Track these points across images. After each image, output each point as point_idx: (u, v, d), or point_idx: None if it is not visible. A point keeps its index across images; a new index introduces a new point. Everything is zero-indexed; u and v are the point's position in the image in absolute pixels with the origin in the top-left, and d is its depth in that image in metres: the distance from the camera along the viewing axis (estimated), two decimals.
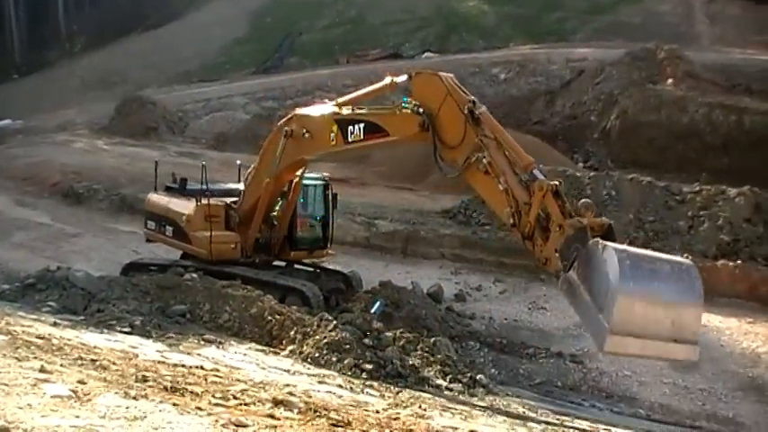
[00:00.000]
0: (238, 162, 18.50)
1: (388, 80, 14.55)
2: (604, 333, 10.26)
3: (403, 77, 13.92)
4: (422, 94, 13.38)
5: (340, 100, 15.46)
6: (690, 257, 19.62)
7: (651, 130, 31.97)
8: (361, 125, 14.41)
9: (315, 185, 17.79)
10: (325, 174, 18.27)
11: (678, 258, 11.50)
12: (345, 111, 14.90)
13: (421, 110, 13.17)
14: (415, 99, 13.43)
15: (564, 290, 11.12)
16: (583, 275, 10.71)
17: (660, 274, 10.51)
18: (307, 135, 15.49)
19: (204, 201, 16.86)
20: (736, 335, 17.27)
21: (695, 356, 11.07)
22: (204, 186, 16.95)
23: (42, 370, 7.56)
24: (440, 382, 12.45)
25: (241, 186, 17.53)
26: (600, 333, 10.44)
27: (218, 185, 17.74)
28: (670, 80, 34.65)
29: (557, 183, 11.77)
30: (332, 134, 14.92)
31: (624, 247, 10.78)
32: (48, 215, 27.19)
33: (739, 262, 19.84)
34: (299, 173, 16.81)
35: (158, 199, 18.15)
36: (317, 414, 7.78)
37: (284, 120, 16.45)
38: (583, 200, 12.42)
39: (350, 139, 14.60)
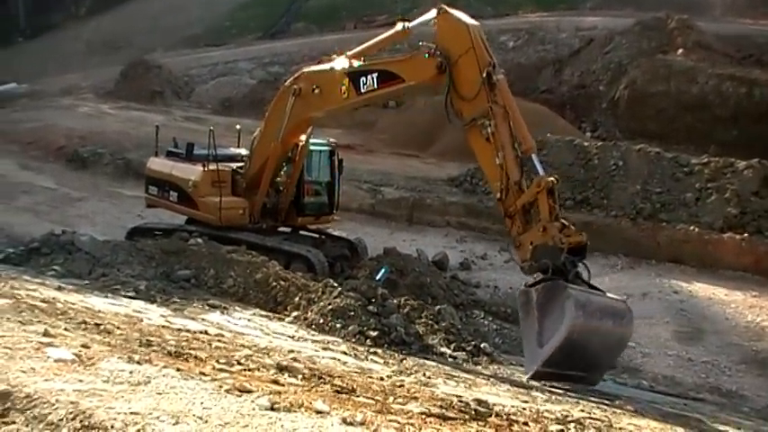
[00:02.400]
0: (238, 127, 18.37)
1: (399, 26, 14.38)
2: (535, 366, 11.09)
3: (428, 16, 13.47)
4: (445, 36, 13.18)
5: (349, 53, 15.16)
6: (695, 229, 19.74)
7: (660, 100, 31.75)
8: (375, 74, 14.31)
9: (321, 151, 17.69)
10: (331, 139, 18.18)
11: (621, 307, 11.83)
12: (356, 63, 14.76)
13: (438, 52, 13.05)
14: (437, 39, 13.26)
15: (521, 302, 11.66)
16: (540, 304, 11.25)
17: (601, 330, 11.18)
18: (317, 91, 15.37)
19: (212, 166, 16.75)
20: (741, 308, 17.22)
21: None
22: (212, 151, 16.84)
23: (46, 334, 7.54)
24: (444, 349, 12.45)
25: (244, 151, 17.44)
26: (532, 362, 11.24)
27: (222, 150, 17.61)
28: (680, 50, 34.35)
29: (553, 180, 11.96)
30: (343, 87, 14.78)
31: (584, 300, 11.09)
32: (52, 179, 27.15)
33: (746, 235, 19.76)
34: (305, 135, 16.69)
35: (161, 164, 17.97)
36: (321, 380, 7.77)
37: (291, 78, 16.30)
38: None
39: (363, 90, 14.49)
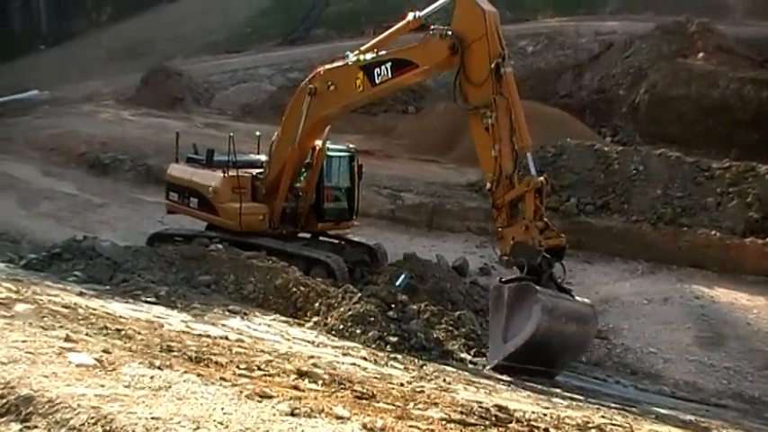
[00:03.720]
0: (258, 133, 18.43)
1: (410, 16, 14.55)
2: (496, 360, 11.79)
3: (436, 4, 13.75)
4: (461, 19, 13.37)
5: (362, 48, 15.35)
6: (717, 233, 19.58)
7: (680, 104, 31.55)
8: (388, 64, 14.45)
9: (341, 157, 17.72)
10: (351, 145, 18.20)
11: (586, 311, 12.43)
12: (369, 56, 14.86)
13: (450, 32, 13.21)
14: (453, 20, 13.45)
15: (492, 296, 12.37)
16: (510, 301, 11.89)
17: (564, 333, 11.80)
18: (332, 88, 15.51)
19: (232, 172, 16.81)
20: (763, 313, 17.04)
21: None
22: (232, 157, 16.90)
23: (68, 339, 7.58)
24: (464, 355, 12.46)
25: (263, 157, 17.49)
26: (495, 355, 11.91)
27: (241, 156, 17.69)
28: (701, 54, 34.11)
29: (543, 180, 12.40)
30: (357, 81, 14.93)
31: (551, 305, 11.60)
32: (74, 185, 27.33)
33: None
34: (322, 138, 16.72)
35: (181, 170, 18.11)
36: (342, 386, 7.76)
37: (307, 79, 16.39)
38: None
39: (378, 81, 14.65)
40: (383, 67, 14.50)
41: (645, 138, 31.05)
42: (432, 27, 13.86)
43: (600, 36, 41.52)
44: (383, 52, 14.85)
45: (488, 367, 11.84)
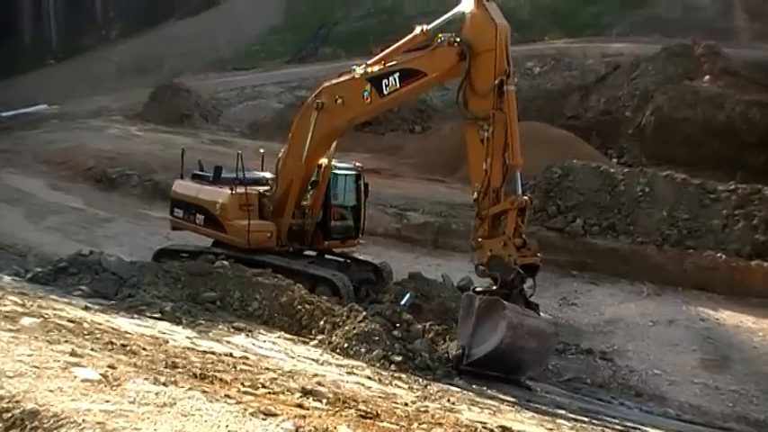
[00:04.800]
0: (262, 150, 18.45)
1: (417, 29, 14.63)
2: (460, 365, 12.32)
3: (461, 7, 13.76)
4: (473, 28, 13.50)
5: (369, 61, 15.40)
6: (722, 256, 19.55)
7: (687, 126, 31.52)
8: (396, 75, 14.54)
9: (347, 175, 17.75)
10: (357, 164, 18.24)
11: (548, 329, 13.06)
12: (377, 68, 14.95)
13: (459, 39, 13.37)
14: (464, 28, 13.61)
15: (464, 304, 12.84)
16: (479, 312, 12.39)
17: (525, 348, 12.37)
18: (339, 101, 15.53)
19: (240, 189, 16.82)
20: None
21: None
22: (241, 174, 16.93)
23: (73, 353, 7.60)
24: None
25: (269, 175, 17.53)
26: (459, 360, 12.40)
27: (248, 174, 17.68)
28: (707, 76, 34.14)
29: (527, 200, 13.02)
30: (365, 93, 14.99)
31: (516, 322, 12.16)
32: (81, 200, 27.42)
33: None
34: (328, 155, 16.75)
35: (187, 187, 18.11)
36: (346, 405, 7.76)
37: (313, 95, 16.39)
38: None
39: (386, 92, 14.72)
40: (391, 78, 14.58)
41: (651, 159, 31.02)
42: (440, 36, 13.97)
43: (606, 58, 41.61)
44: (390, 64, 14.92)
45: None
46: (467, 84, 13.41)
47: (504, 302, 12.23)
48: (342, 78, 15.88)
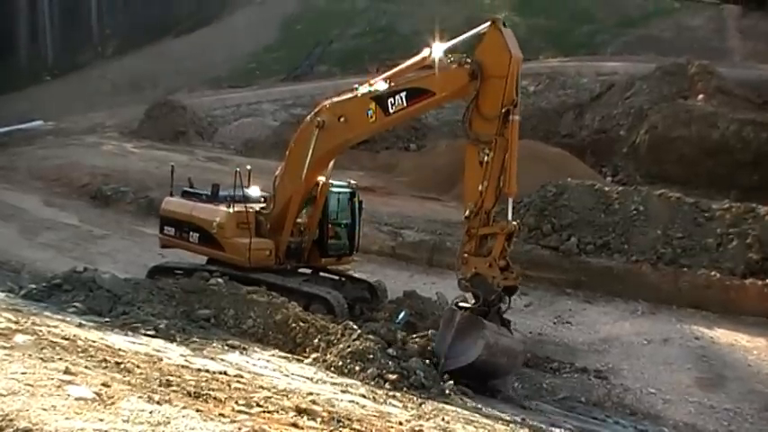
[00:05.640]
0: (248, 167, 18.14)
1: (425, 52, 14.62)
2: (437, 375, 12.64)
3: (477, 30, 13.83)
4: (488, 52, 13.61)
5: (372, 80, 15.38)
6: (717, 274, 19.59)
7: (681, 145, 31.66)
8: (403, 94, 14.57)
9: (341, 193, 17.75)
10: (351, 181, 18.25)
11: (518, 348, 13.86)
12: (382, 87, 14.94)
13: (470, 60, 13.49)
14: (478, 49, 13.71)
15: (445, 317, 13.66)
16: (459, 326, 13.11)
17: (496, 365, 13.09)
18: (342, 119, 15.54)
19: (238, 207, 16.73)
20: (763, 354, 17.00)
21: None
22: (242, 191, 16.86)
23: (67, 371, 7.58)
24: (462, 394, 12.37)
25: (258, 192, 17.41)
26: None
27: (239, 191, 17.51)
28: (701, 95, 34.32)
29: (516, 226, 13.63)
30: (369, 111, 15.00)
31: (492, 342, 12.86)
32: (76, 216, 27.41)
33: None
34: (326, 173, 16.74)
35: (180, 204, 17.92)
36: (340, 424, 7.75)
37: (313, 113, 16.33)
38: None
39: (391, 111, 14.74)
40: (397, 97, 14.61)
41: (645, 178, 31.10)
42: (450, 57, 14.12)
43: (601, 77, 41.80)
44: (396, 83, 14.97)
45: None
46: (474, 105, 13.55)
47: (484, 322, 12.92)
48: (343, 97, 15.87)
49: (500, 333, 13.11)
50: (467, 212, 13.49)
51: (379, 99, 14.83)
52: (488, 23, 13.66)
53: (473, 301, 13.43)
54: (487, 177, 13.23)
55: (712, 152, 30.95)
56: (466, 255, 13.53)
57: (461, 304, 13.62)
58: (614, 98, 37.24)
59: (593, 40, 53.62)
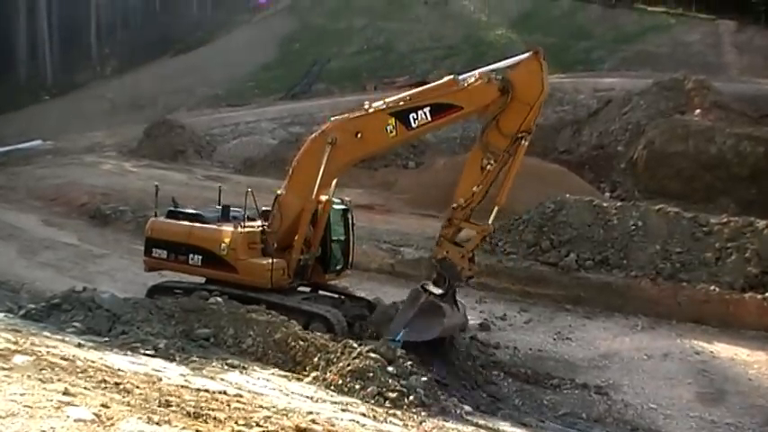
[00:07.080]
0: (249, 189, 17.78)
1: (447, 78, 15.15)
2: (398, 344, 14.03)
3: (517, 58, 14.87)
4: (522, 76, 14.52)
5: (388, 100, 15.62)
6: (716, 289, 19.60)
7: (678, 160, 31.75)
8: (427, 109, 14.93)
9: (336, 210, 17.71)
10: (345, 198, 18.25)
11: (462, 323, 16.65)
12: (401, 104, 15.27)
13: (499, 77, 14.30)
14: (512, 71, 14.64)
15: (411, 295, 15.27)
16: (422, 307, 14.83)
17: (444, 337, 15.43)
18: (359, 136, 15.65)
19: (247, 227, 16.56)
20: (764, 368, 16.97)
21: None
22: (241, 212, 16.76)
23: (66, 392, 7.57)
24: (463, 412, 12.35)
25: (237, 211, 17.20)
26: (391, 334, 14.60)
27: (236, 211, 17.36)
28: (698, 110, 34.46)
29: (492, 228, 15.33)
30: (389, 127, 15.25)
31: (448, 325, 15.06)
32: (74, 235, 27.40)
33: (767, 294, 19.57)
34: (329, 190, 16.73)
35: (173, 225, 17.51)
36: None
37: (320, 131, 16.22)
38: None
39: (414, 125, 15.11)
40: (420, 112, 14.95)
41: (643, 193, 31.18)
42: (475, 74, 14.73)
43: (598, 92, 41.96)
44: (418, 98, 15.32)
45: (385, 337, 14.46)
46: (494, 119, 14.42)
47: (444, 310, 14.68)
48: (356, 114, 15.93)
49: (453, 315, 15.13)
50: (455, 205, 14.85)
51: (400, 114, 15.11)
52: (531, 52, 14.51)
53: (435, 276, 15.29)
54: (484, 182, 14.54)
55: (710, 167, 31.04)
56: (442, 238, 15.13)
57: (428, 287, 15.08)
58: (612, 114, 37.38)
59: (589, 56, 53.87)
